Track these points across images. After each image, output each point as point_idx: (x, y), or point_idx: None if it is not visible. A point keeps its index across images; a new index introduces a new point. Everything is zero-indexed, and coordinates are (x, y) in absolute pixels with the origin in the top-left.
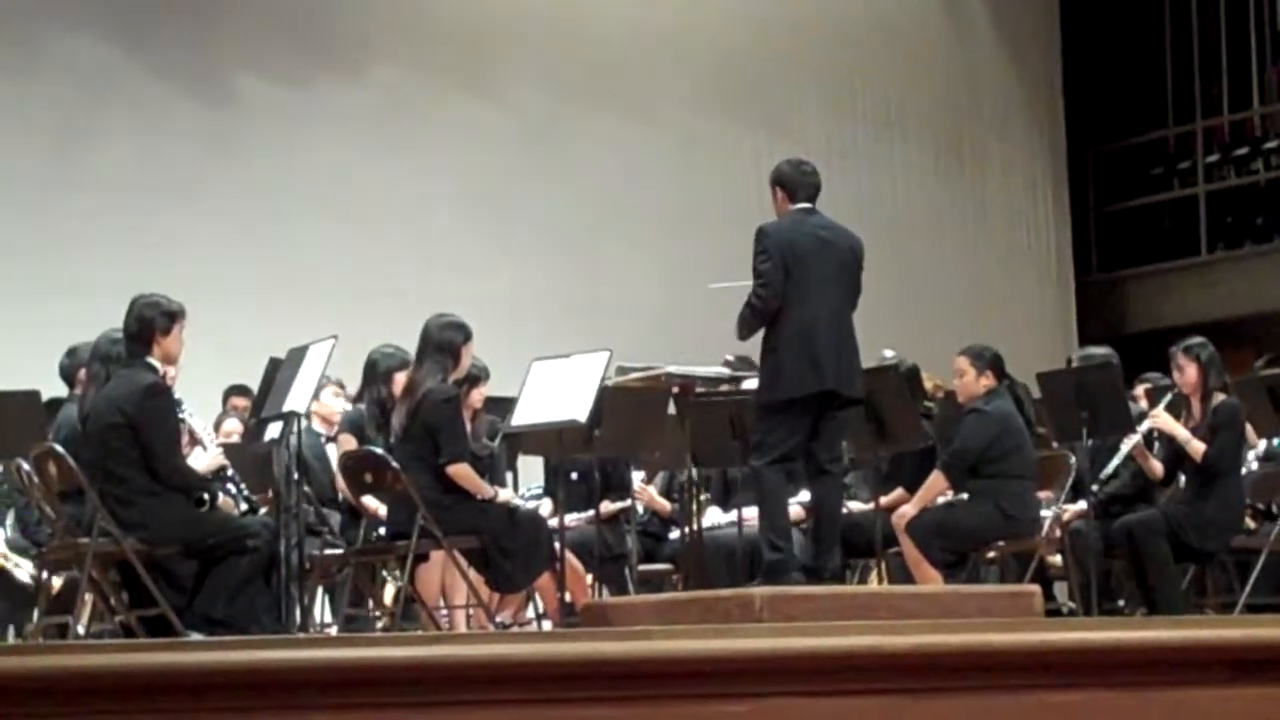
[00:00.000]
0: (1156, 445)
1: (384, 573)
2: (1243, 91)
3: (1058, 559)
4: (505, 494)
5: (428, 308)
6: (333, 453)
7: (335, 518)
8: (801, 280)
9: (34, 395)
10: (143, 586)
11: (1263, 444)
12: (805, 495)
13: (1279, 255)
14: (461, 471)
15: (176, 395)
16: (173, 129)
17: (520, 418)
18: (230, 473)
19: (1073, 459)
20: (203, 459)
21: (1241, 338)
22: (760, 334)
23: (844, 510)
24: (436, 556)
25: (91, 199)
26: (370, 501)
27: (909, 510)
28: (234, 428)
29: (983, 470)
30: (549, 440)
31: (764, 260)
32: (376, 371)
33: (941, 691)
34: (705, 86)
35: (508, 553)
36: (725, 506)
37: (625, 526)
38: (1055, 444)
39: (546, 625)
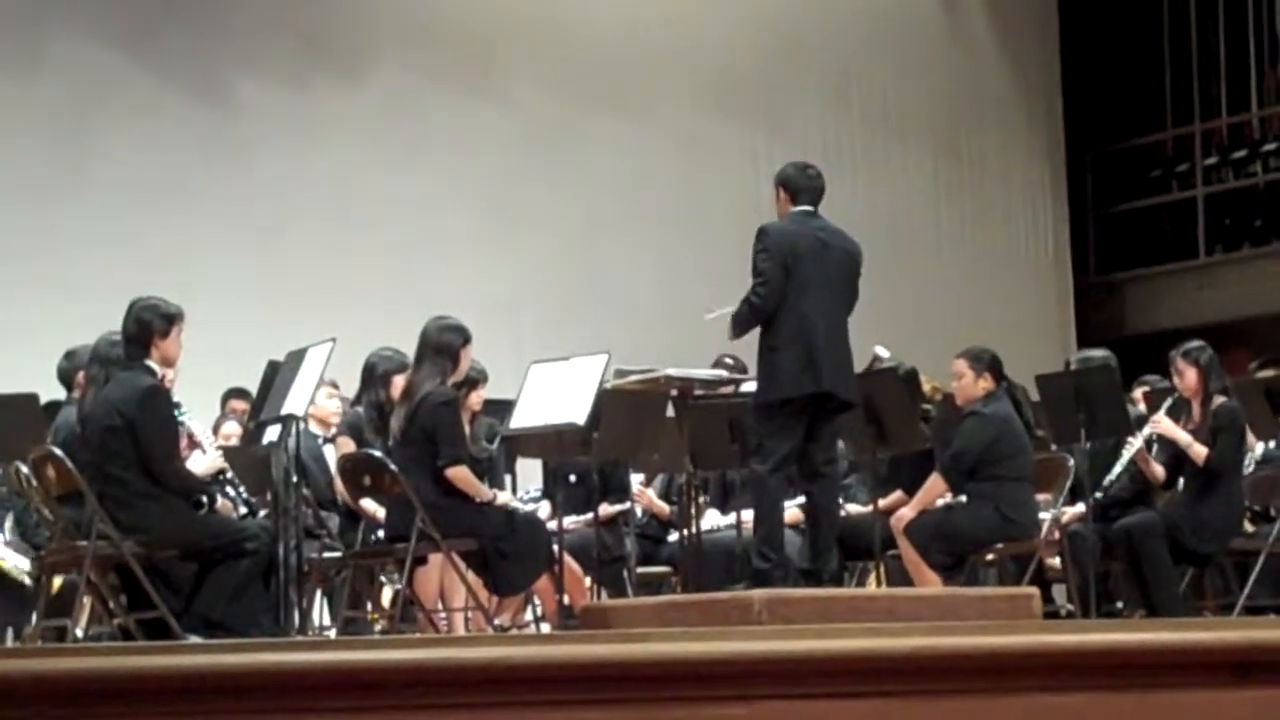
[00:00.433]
0: (1156, 449)
1: (382, 575)
2: (1241, 94)
3: (1056, 561)
4: (504, 497)
5: (427, 310)
6: (330, 454)
7: (334, 520)
8: (800, 281)
9: (33, 398)
10: (141, 589)
11: (1261, 446)
12: (802, 498)
13: (1277, 258)
14: (460, 474)
15: (175, 398)
16: (173, 132)
17: (519, 420)
18: (229, 475)
19: (1071, 461)
20: (201, 462)
21: (1240, 340)
22: (755, 334)
23: (842, 513)
24: (435, 559)
25: (91, 201)
26: (369, 504)
27: (907, 513)
28: (233, 430)
29: (981, 473)
30: (548, 443)
31: (765, 259)
32: (375, 374)
33: (940, 694)
34: (705, 88)
35: (506, 555)
36: (724, 509)
37: (624, 529)
38: (1054, 446)
39: (545, 628)
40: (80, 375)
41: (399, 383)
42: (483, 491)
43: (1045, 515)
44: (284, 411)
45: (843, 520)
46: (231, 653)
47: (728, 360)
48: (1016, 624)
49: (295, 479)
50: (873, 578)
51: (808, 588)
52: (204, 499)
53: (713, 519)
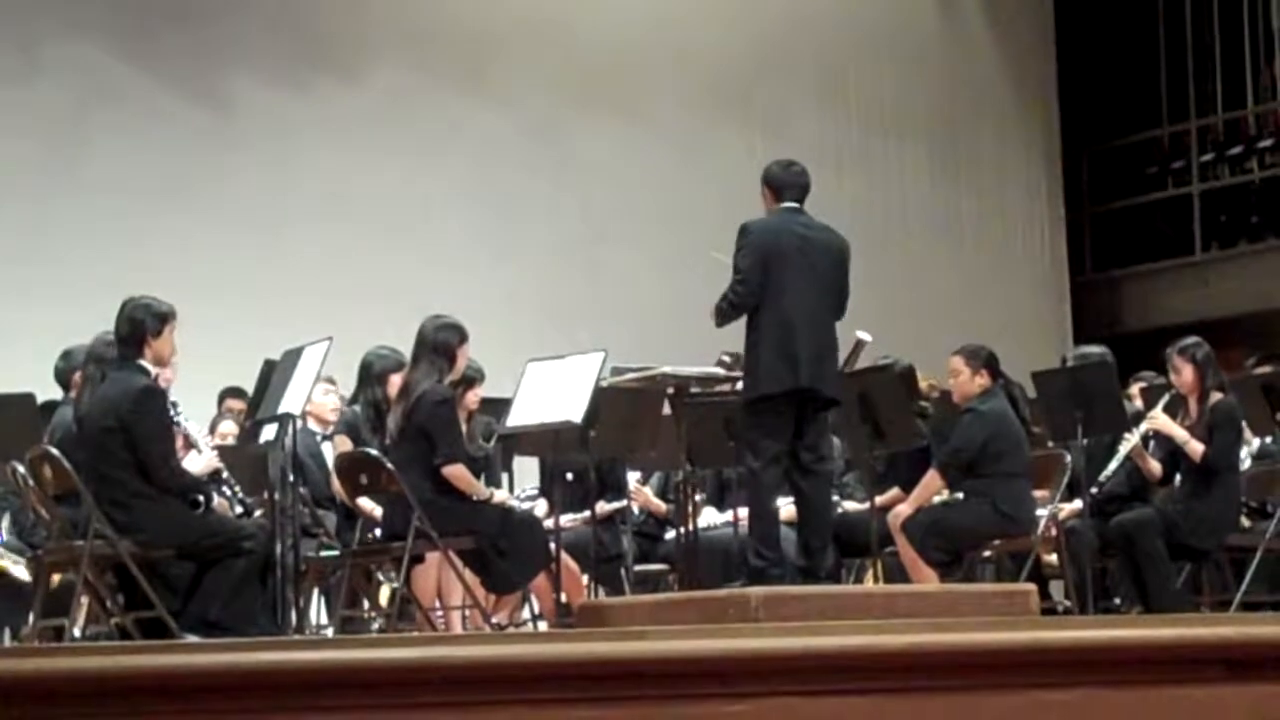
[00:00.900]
0: (1153, 445)
1: (379, 574)
2: (1237, 91)
3: (1053, 558)
4: (501, 495)
5: (423, 309)
6: (329, 451)
7: (331, 519)
8: (781, 278)
9: (29, 398)
10: (139, 589)
11: (1257, 442)
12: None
13: (1273, 254)
14: (457, 472)
15: (172, 398)
16: (170, 132)
17: (515, 419)
18: (225, 475)
19: (1068, 458)
20: (197, 461)
21: (1236, 336)
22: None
23: (839, 510)
24: (432, 558)
25: (88, 202)
26: (366, 503)
27: (904, 510)
28: (229, 430)
29: (978, 469)
30: (544, 441)
31: (744, 257)
32: (372, 373)
33: (937, 691)
34: (702, 88)
35: (503, 553)
36: (721, 507)
37: (621, 527)
38: (1050, 443)
39: (542, 626)
40: (77, 375)
41: (396, 381)
42: (480, 490)
43: (1042, 512)
44: (280, 410)
45: (839, 517)
46: (229, 652)
47: (725, 358)
48: (1014, 620)
49: (292, 478)
50: (870, 575)
51: (805, 585)
52: (200, 498)
53: (710, 517)
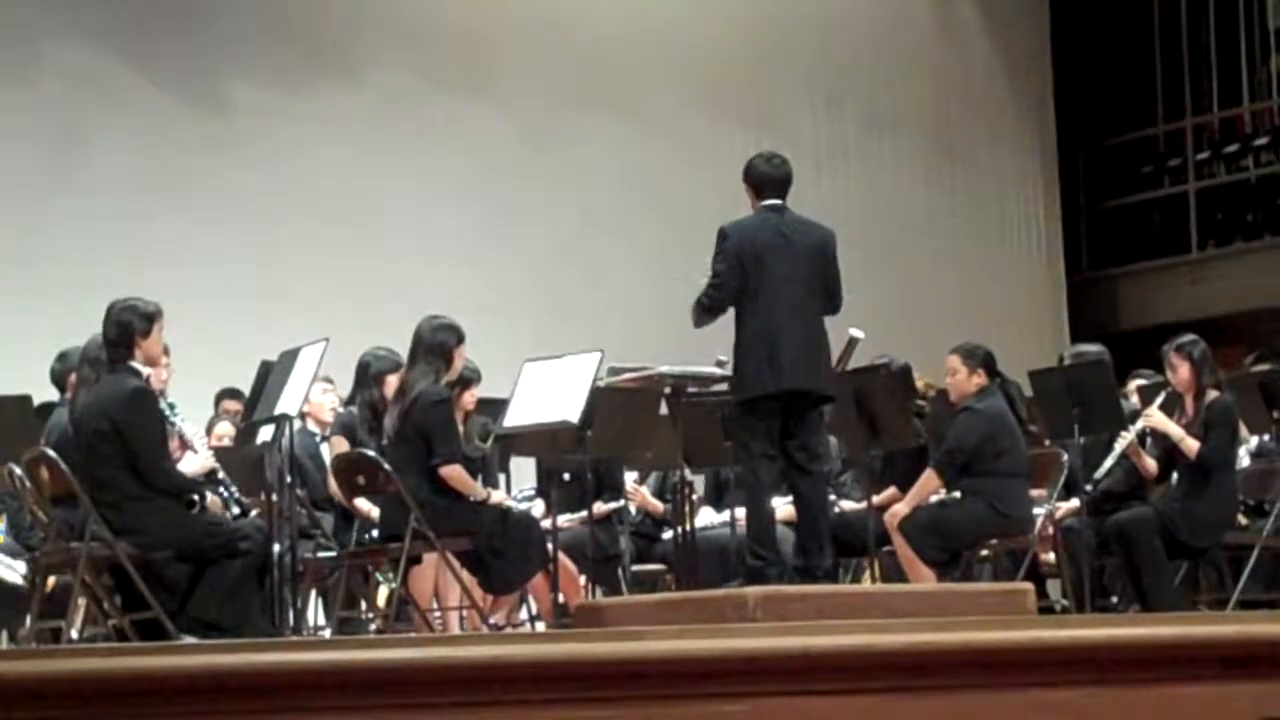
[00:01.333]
0: (1149, 443)
1: (377, 575)
2: (1232, 88)
3: (1051, 556)
4: (498, 495)
5: (420, 310)
6: (326, 452)
7: (328, 520)
8: (761, 280)
9: (26, 400)
10: (136, 590)
11: (1255, 440)
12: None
13: (1269, 252)
14: (454, 473)
15: (169, 399)
16: (167, 133)
17: (512, 419)
18: (221, 475)
19: (1065, 457)
20: (193, 462)
21: (1232, 334)
22: None
23: (836, 509)
24: (429, 558)
25: (86, 203)
26: (363, 504)
27: (902, 509)
28: (226, 431)
29: (975, 468)
30: (541, 441)
31: (720, 260)
32: (369, 374)
33: (935, 690)
34: (698, 87)
35: (501, 554)
36: (718, 507)
37: (618, 527)
38: (1047, 442)
39: (540, 626)
40: (72, 377)
41: (393, 382)
42: (477, 490)
43: (1039, 510)
44: (277, 412)
45: (837, 517)
46: (226, 653)
47: (722, 357)
48: (1011, 619)
49: (289, 479)
50: (867, 574)
51: (802, 584)
52: (195, 498)
53: (707, 516)
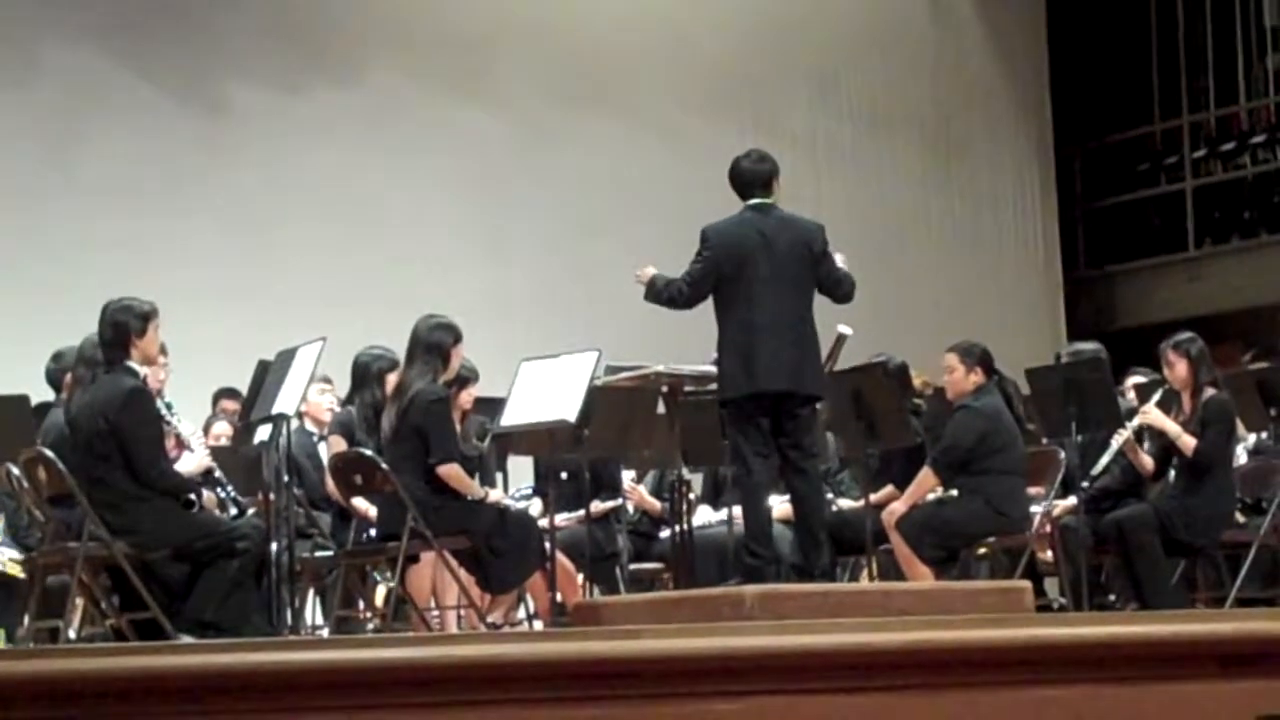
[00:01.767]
0: (1147, 440)
1: (375, 574)
2: (1229, 86)
3: (1048, 554)
4: (495, 494)
5: (417, 309)
6: (324, 452)
7: (325, 520)
8: (740, 282)
9: (23, 400)
10: (133, 590)
11: (1252, 438)
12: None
13: (1266, 250)
14: (451, 472)
15: (167, 399)
16: (165, 134)
17: (510, 418)
18: (218, 475)
19: (1062, 454)
20: (190, 461)
21: (1230, 332)
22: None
23: (834, 508)
24: (427, 557)
25: (84, 204)
26: (360, 503)
27: (899, 507)
28: (223, 430)
29: (972, 467)
30: (539, 440)
31: (697, 261)
32: (369, 374)
33: (933, 688)
34: (695, 87)
35: (498, 553)
36: (715, 505)
37: (616, 526)
38: (1045, 440)
39: (538, 625)
40: (68, 377)
41: (393, 380)
42: (474, 489)
43: (1036, 509)
44: (274, 411)
45: (834, 515)
46: (224, 653)
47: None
48: (1009, 617)
49: (286, 478)
50: (865, 572)
51: (800, 583)
52: (192, 498)
53: (704, 515)
